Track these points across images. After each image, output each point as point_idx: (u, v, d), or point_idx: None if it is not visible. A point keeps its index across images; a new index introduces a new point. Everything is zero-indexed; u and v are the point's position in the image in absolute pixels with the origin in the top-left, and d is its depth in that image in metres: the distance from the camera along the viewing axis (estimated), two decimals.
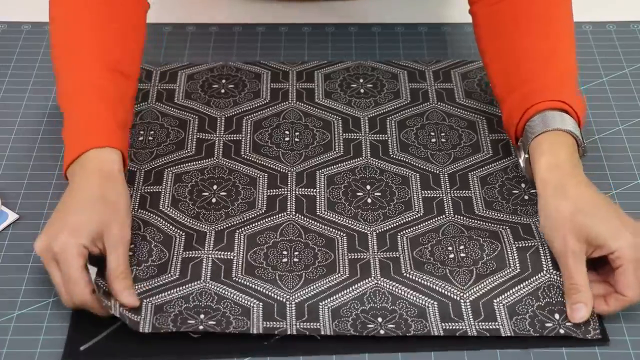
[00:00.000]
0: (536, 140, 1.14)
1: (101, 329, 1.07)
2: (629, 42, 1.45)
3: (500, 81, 1.22)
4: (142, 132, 1.28)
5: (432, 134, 1.28)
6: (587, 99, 1.34)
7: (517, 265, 1.11)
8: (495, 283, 1.09)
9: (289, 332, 1.05)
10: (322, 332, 1.05)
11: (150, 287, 1.09)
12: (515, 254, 1.12)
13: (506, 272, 1.10)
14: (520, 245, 1.13)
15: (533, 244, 1.13)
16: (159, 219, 1.16)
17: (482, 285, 1.09)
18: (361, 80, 1.36)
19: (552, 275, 1.10)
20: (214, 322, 1.05)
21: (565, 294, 1.08)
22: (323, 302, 1.08)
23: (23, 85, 1.38)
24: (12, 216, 1.19)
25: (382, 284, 1.10)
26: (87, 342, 1.06)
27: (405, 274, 1.11)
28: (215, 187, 1.21)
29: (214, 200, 1.19)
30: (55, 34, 1.21)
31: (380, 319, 1.06)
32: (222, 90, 1.34)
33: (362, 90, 1.34)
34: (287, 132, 1.28)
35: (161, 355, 1.05)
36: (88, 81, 1.17)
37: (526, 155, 1.16)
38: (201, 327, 1.05)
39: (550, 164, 1.12)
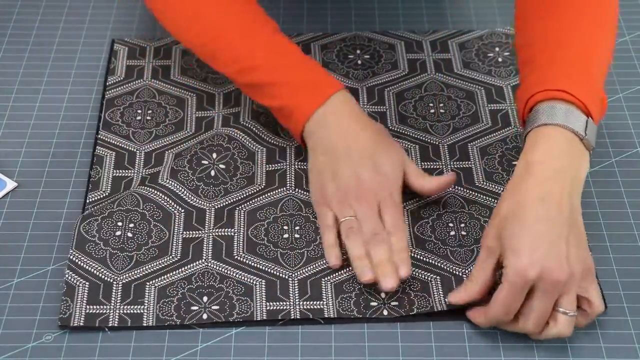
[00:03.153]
0: (528, 136, 1.07)
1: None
2: (631, 10, 1.44)
3: (520, 64, 1.14)
4: (139, 111, 1.27)
5: (431, 104, 1.27)
6: None
7: None
8: None
9: (292, 316, 1.05)
10: (326, 314, 1.05)
11: (152, 269, 1.09)
12: None
13: None
14: None
15: None
16: (158, 193, 1.16)
17: None
18: (358, 51, 1.35)
19: None
20: (217, 307, 1.06)
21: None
22: (326, 278, 1.08)
23: (20, 53, 1.37)
24: (10, 184, 1.19)
25: None
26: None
27: None
28: (214, 155, 1.20)
29: (212, 173, 1.18)
30: (195, 24, 1.20)
31: (383, 295, 1.07)
32: None
33: (359, 62, 1.34)
34: None
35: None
36: (282, 45, 1.18)
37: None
38: (205, 316, 1.05)
39: (526, 162, 1.04)
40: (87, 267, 1.09)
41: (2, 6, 1.45)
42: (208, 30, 1.19)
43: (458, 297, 1.04)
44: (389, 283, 1.05)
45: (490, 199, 1.16)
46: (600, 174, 1.20)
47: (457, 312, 1.05)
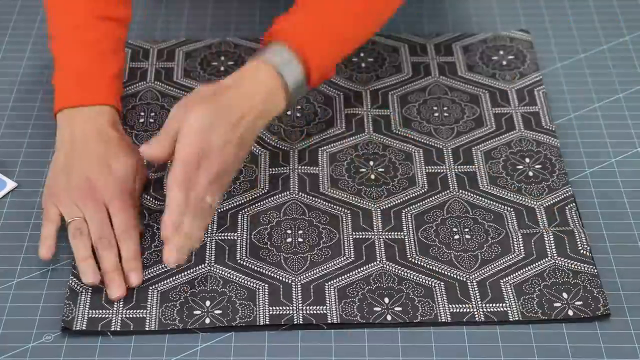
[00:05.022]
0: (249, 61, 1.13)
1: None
2: (631, 10, 1.44)
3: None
4: (142, 114, 1.27)
5: (435, 108, 1.27)
6: (588, 67, 1.34)
7: (522, 250, 1.11)
8: (500, 267, 1.09)
9: (295, 321, 1.05)
10: (329, 319, 1.05)
11: (155, 273, 1.09)
12: (520, 240, 1.12)
13: (511, 257, 1.10)
14: (525, 232, 1.13)
15: (537, 231, 1.13)
16: (162, 204, 1.15)
17: (488, 268, 1.09)
18: (362, 54, 1.35)
19: (556, 261, 1.10)
20: (220, 312, 1.05)
21: None
22: (329, 283, 1.08)
23: (20, 53, 1.37)
24: (10, 184, 1.19)
25: (387, 267, 1.10)
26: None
27: (410, 259, 1.10)
28: None
29: None
30: None
31: (387, 300, 1.06)
32: (222, 68, 1.33)
33: (363, 65, 1.33)
34: None
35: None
36: (79, 33, 1.20)
37: None
38: (207, 321, 1.05)
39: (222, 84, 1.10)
40: None
41: (2, 6, 1.45)
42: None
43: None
44: (115, 292, 1.07)
45: (494, 203, 1.16)
46: (600, 174, 1.20)
47: (461, 322, 1.05)
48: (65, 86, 1.18)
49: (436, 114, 1.26)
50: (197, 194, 1.04)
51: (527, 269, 1.09)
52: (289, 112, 1.26)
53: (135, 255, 1.09)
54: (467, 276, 1.08)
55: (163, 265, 1.09)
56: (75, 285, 1.07)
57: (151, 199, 1.16)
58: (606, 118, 1.27)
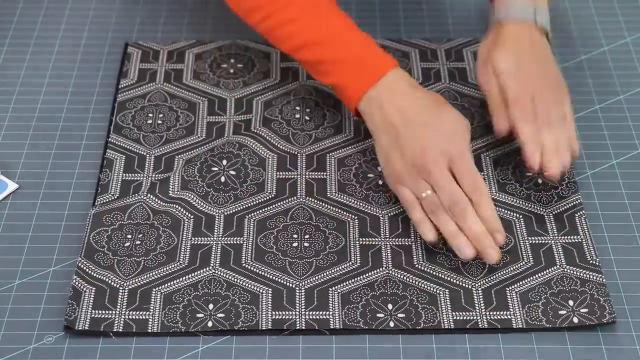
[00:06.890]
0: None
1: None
2: (631, 11, 1.44)
3: None
4: (150, 115, 1.27)
5: None
6: (589, 68, 1.34)
7: (531, 259, 1.10)
8: (508, 275, 1.09)
9: (297, 326, 1.04)
10: (332, 324, 1.05)
11: (159, 275, 1.09)
12: (528, 249, 1.11)
13: (519, 264, 1.10)
14: (534, 241, 1.12)
15: (547, 241, 1.12)
16: (168, 207, 1.15)
17: (495, 276, 1.09)
18: None
19: (565, 269, 1.09)
20: (222, 315, 1.05)
21: None
22: (333, 288, 1.08)
23: (22, 55, 1.37)
24: (11, 186, 1.19)
25: (393, 273, 1.09)
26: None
27: (417, 265, 1.10)
28: (224, 162, 1.20)
29: (222, 179, 1.18)
30: None
31: (390, 306, 1.06)
32: (231, 70, 1.33)
33: None
34: (297, 108, 1.27)
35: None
36: (337, 21, 1.19)
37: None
38: (210, 324, 1.05)
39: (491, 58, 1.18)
40: (94, 274, 1.09)
41: (3, 7, 1.45)
42: (269, 3, 1.20)
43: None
44: (492, 257, 1.06)
45: (504, 210, 1.15)
46: (601, 176, 1.20)
47: (463, 329, 1.05)
48: (351, 79, 1.16)
49: None
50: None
51: (534, 277, 1.08)
52: (297, 115, 1.26)
53: (491, 215, 1.08)
54: (473, 284, 1.08)
55: (167, 267, 1.09)
56: (79, 285, 1.07)
57: (156, 200, 1.16)
58: (607, 120, 1.27)
